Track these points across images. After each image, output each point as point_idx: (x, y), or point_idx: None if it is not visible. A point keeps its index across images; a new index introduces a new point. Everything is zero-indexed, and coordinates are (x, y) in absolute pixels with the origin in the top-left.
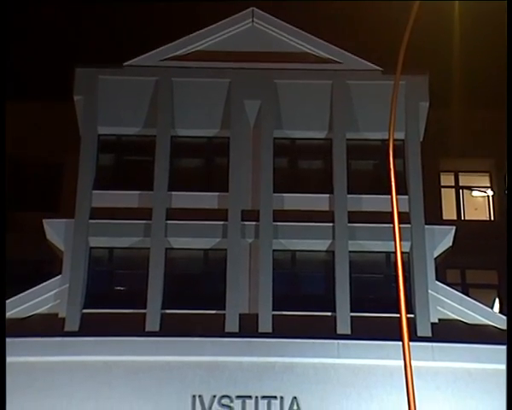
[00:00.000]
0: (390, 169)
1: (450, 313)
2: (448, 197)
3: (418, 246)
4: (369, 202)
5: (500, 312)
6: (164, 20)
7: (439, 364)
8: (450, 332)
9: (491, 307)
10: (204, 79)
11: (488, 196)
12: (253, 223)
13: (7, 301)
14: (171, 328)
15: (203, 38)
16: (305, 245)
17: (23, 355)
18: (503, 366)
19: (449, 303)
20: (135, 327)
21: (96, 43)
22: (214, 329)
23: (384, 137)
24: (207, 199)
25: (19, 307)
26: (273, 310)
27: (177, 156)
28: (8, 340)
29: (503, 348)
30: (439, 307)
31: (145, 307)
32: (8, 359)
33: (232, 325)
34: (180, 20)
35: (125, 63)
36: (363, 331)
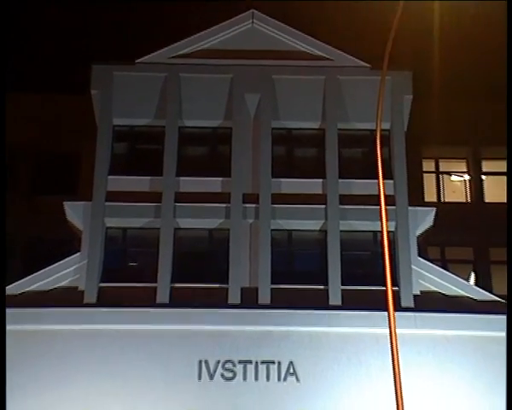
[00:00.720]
0: (377, 156)
1: (430, 286)
2: (429, 182)
3: (402, 226)
4: (358, 186)
5: (475, 284)
6: (172, 19)
7: (420, 331)
8: (430, 303)
9: (468, 281)
10: (208, 75)
11: (465, 181)
12: (253, 205)
13: (33, 275)
14: (180, 300)
15: (208, 38)
16: (300, 225)
17: (46, 324)
18: (479, 333)
19: (430, 277)
20: (146, 299)
21: (111, 41)
22: (218, 301)
23: (372, 127)
24: (212, 183)
25: (42, 280)
26: (271, 284)
27: (184, 145)
28: (33, 310)
29: (478, 316)
30: (420, 281)
31: (156, 282)
32: (33, 327)
33: (234, 297)
34: (186, 19)
35: (137, 60)
36: (352, 303)
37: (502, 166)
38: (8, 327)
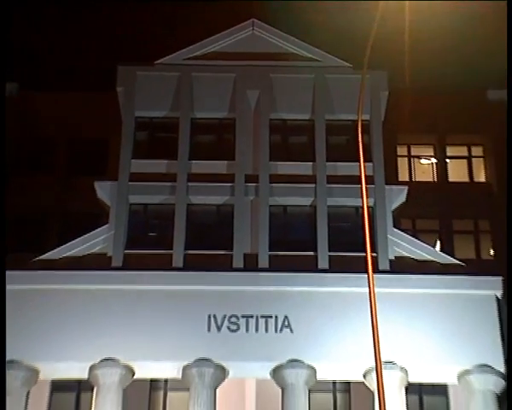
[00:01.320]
0: (358, 143)
1: (403, 252)
2: (402, 164)
3: (380, 202)
4: (343, 168)
5: (440, 250)
6: (186, 25)
7: (395, 290)
8: (403, 266)
9: (434, 247)
10: (216, 74)
11: (432, 163)
12: (254, 184)
13: (69, 243)
14: (192, 264)
15: (215, 42)
16: (293, 201)
17: (80, 284)
18: (443, 291)
19: (402, 245)
20: (164, 264)
21: (134, 45)
22: (224, 265)
23: (354, 117)
24: (218, 166)
25: (77, 247)
26: (269, 251)
27: (195, 133)
28: (69, 273)
29: (443, 277)
30: (395, 248)
31: (171, 249)
32: (69, 286)
33: (238, 262)
34: (197, 24)
35: (156, 62)
36: (337, 266)
37: (463, 151)
38: (49, 286)
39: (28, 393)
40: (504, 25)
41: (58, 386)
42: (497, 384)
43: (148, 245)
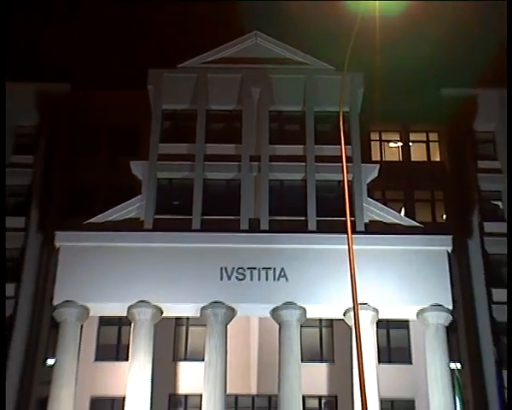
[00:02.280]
0: (340, 130)
1: (375, 217)
2: (375, 147)
3: (357, 176)
4: (328, 150)
5: (404, 215)
6: (201, 33)
7: (369, 247)
8: (375, 228)
9: (399, 213)
10: (226, 75)
11: (398, 146)
12: (257, 163)
13: (111, 210)
14: (207, 227)
15: (225, 50)
16: (288, 176)
17: (120, 242)
18: (407, 247)
19: (375, 211)
20: (185, 226)
21: (163, 51)
22: (233, 227)
23: (337, 109)
24: (228, 148)
25: (117, 213)
26: (269, 216)
27: (209, 122)
28: (111, 233)
29: (406, 236)
30: (369, 213)
31: (191, 215)
32: (111, 244)
33: (244, 225)
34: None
35: (179, 65)
36: (323, 228)
37: (423, 136)
38: (96, 244)
39: (82, 326)
40: (459, 29)
41: (104, 321)
42: (447, 319)
43: (172, 212)
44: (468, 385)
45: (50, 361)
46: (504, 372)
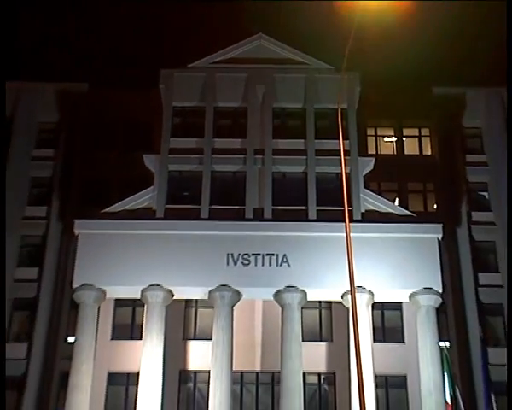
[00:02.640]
0: (338, 125)
1: (371, 207)
2: (371, 141)
3: (354, 169)
4: (327, 144)
5: (398, 205)
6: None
7: (365, 235)
8: (371, 217)
9: (393, 203)
10: (233, 74)
11: (393, 141)
12: (261, 156)
13: (125, 200)
14: (215, 216)
15: (232, 50)
16: (290, 169)
17: (133, 230)
18: (401, 235)
19: (371, 201)
20: (194, 215)
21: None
22: (239, 216)
23: (336, 106)
24: (234, 142)
25: (131, 203)
26: (272, 205)
27: (217, 118)
28: (125, 221)
29: (400, 224)
30: (365, 203)
31: (200, 204)
32: (126, 231)
33: (249, 214)
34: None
35: (189, 65)
36: (323, 217)
37: (415, 131)
38: (112, 231)
39: (99, 308)
40: (450, 30)
41: (120, 303)
42: (437, 301)
43: (182, 201)
44: (455, 361)
45: (71, 339)
46: (489, 350)
